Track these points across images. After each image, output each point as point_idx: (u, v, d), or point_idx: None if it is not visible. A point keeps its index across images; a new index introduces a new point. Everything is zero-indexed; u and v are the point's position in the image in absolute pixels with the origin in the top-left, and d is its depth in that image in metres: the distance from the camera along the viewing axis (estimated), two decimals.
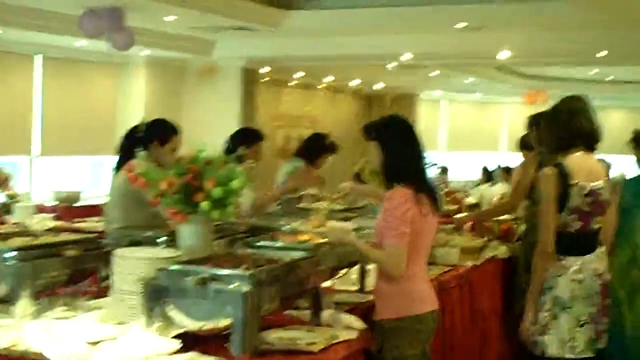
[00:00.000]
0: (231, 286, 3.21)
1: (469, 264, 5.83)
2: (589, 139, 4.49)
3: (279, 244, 4.18)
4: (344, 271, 4.68)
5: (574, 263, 4.43)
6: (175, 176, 3.93)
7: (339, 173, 13.61)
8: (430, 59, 10.84)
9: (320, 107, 15.40)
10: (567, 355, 4.40)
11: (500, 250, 6.50)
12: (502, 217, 7.02)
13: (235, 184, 3.94)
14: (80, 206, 9.53)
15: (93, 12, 7.09)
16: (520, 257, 6.14)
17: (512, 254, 6.49)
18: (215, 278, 3.25)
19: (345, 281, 4.81)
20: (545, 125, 4.66)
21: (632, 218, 5.41)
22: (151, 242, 4.27)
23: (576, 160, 4.42)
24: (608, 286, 4.55)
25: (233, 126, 10.48)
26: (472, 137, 18.50)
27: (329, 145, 7.79)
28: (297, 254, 3.80)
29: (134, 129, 5.40)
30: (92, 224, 8.43)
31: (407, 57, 10.31)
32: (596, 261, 4.50)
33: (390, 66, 12.18)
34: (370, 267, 4.67)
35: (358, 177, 10.83)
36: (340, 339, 3.54)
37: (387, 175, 4.10)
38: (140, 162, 5.01)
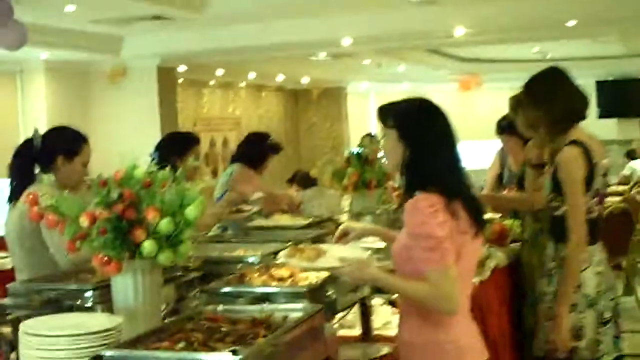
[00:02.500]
0: None
1: (475, 280, 4.69)
2: (583, 112, 4.10)
3: (258, 288, 2.96)
4: (341, 313, 3.47)
5: (594, 253, 3.99)
6: (101, 207, 2.64)
7: (272, 178, 12.35)
8: (373, 43, 9.56)
9: (243, 107, 14.14)
10: (594, 357, 3.96)
11: (499, 258, 5.36)
12: (489, 216, 5.91)
13: (191, 211, 2.68)
14: None
15: None
16: (532, 262, 4.99)
17: (509, 260, 5.37)
18: None
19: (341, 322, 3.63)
20: (540, 104, 4.09)
21: None
22: (74, 300, 3.05)
23: (584, 136, 3.99)
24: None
25: (153, 135, 9.16)
26: None
27: (273, 145, 6.63)
28: (295, 307, 2.61)
29: (26, 144, 4.08)
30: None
31: (347, 42, 9.02)
32: (604, 250, 4.08)
33: (321, 56, 10.96)
34: (376, 301, 3.53)
35: (294, 182, 9.71)
36: None
37: (411, 177, 2.95)
38: (43, 188, 3.54)
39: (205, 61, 10.70)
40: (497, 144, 6.08)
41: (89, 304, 3.03)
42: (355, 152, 5.74)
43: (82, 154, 4.07)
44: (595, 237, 4.00)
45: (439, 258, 2.75)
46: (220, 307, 2.63)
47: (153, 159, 5.45)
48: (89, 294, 3.04)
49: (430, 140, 2.94)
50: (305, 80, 14.84)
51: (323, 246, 3.01)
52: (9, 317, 2.86)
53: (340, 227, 3.38)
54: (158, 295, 2.81)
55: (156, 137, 9.10)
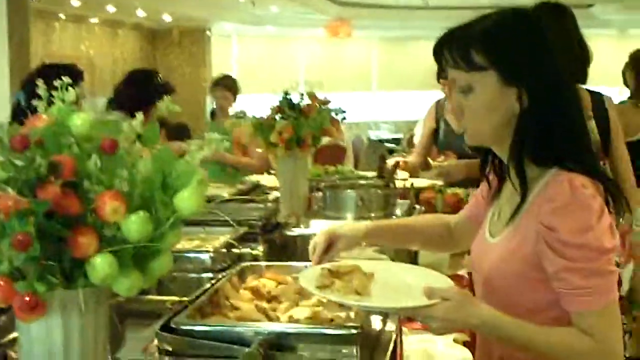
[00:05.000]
0: None
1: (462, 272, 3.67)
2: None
3: (270, 326, 1.80)
4: None
5: None
6: (17, 191, 1.37)
7: None
8: None
9: (97, 46, 12.55)
10: None
11: None
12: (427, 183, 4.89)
13: (184, 201, 1.45)
14: None
15: None
16: None
17: None
18: None
19: None
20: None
21: None
22: None
23: None
24: None
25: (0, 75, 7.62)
26: (267, 77, 16.17)
27: (163, 86, 5.36)
28: None
29: None
30: None
31: None
32: None
33: None
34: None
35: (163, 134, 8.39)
36: None
37: (535, 145, 1.79)
38: None
39: None
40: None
41: None
42: (288, 99, 4.50)
43: None
44: None
45: (606, 287, 1.64)
46: None
47: (20, 103, 4.12)
48: None
49: (556, 78, 1.80)
50: (166, 17, 13.32)
51: (362, 264, 1.83)
52: None
53: (321, 234, 2.04)
54: (105, 349, 1.56)
55: (4, 77, 7.60)
